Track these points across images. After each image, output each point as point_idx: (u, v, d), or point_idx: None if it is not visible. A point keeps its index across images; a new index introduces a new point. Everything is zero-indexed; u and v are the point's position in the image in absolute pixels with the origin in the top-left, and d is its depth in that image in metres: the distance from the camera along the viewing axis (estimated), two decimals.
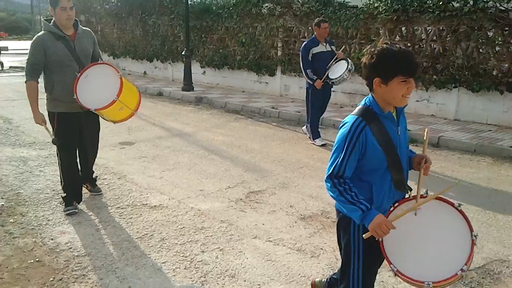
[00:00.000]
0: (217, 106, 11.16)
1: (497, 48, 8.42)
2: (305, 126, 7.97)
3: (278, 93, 12.39)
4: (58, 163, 4.57)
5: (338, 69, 7.07)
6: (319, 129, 7.61)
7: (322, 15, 10.73)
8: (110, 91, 4.12)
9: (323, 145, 7.36)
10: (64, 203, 4.54)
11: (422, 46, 9.43)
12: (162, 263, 3.60)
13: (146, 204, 4.81)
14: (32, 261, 3.59)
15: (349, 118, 2.23)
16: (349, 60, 7.13)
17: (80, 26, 4.42)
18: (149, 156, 6.60)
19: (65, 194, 4.55)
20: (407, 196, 2.33)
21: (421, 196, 2.22)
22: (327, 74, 7.11)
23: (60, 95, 4.26)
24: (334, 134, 7.95)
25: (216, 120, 9.60)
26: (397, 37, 9.78)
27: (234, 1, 12.92)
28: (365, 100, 2.27)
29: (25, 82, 4.24)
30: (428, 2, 8.88)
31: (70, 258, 3.64)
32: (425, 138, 2.35)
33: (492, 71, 8.49)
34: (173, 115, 10.06)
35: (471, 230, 2.15)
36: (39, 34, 4.30)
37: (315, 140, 7.50)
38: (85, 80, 4.19)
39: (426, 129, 2.43)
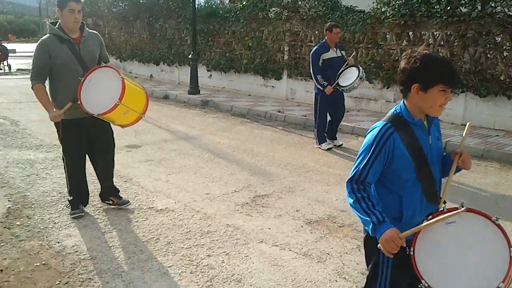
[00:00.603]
0: (223, 110, 11.17)
1: (505, 53, 8.38)
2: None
3: (284, 97, 12.39)
4: (64, 167, 4.54)
5: (349, 76, 7.03)
6: (325, 134, 7.58)
7: (329, 20, 10.74)
8: (113, 95, 3.98)
9: (329, 149, 7.35)
10: (70, 206, 4.54)
11: (429, 51, 9.37)
12: (168, 267, 3.59)
13: (152, 207, 4.80)
14: (38, 264, 3.59)
15: (378, 124, 2.18)
16: (360, 67, 7.09)
17: (87, 29, 4.33)
18: (155, 159, 6.61)
19: (71, 198, 4.52)
20: (441, 209, 2.19)
21: (450, 210, 2.09)
22: (337, 81, 7.08)
23: (64, 101, 4.14)
24: (340, 139, 7.99)
25: (222, 123, 9.60)
26: (404, 41, 9.76)
27: (241, 5, 12.94)
28: (396, 107, 2.21)
29: (32, 87, 4.15)
30: (435, 7, 8.85)
31: (76, 262, 3.63)
32: (465, 132, 2.25)
33: (499, 76, 8.45)
34: (179, 118, 10.08)
35: (510, 245, 2.00)
36: (43, 37, 4.21)
37: (321, 144, 7.47)
38: (89, 85, 4.07)
39: (468, 123, 2.37)
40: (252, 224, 4.44)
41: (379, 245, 2.12)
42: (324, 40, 7.32)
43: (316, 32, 11.26)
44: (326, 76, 7.11)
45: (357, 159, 2.20)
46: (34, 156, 6.53)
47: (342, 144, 7.63)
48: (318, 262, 3.73)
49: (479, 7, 8.38)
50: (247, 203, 5.00)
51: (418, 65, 2.05)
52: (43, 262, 3.61)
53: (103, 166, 4.68)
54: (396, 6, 9.48)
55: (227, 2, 18.50)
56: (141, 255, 3.77)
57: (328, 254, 3.87)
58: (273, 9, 12.26)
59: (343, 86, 7.03)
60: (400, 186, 2.18)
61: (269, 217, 4.61)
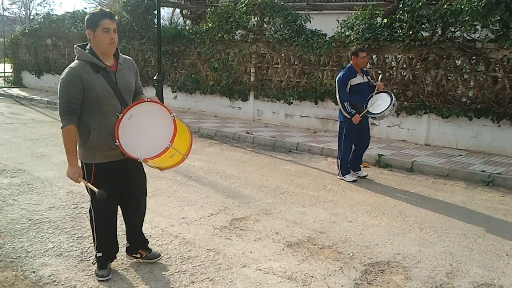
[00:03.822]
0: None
1: (465, 76, 8.77)
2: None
3: (251, 118, 12.45)
4: (91, 220, 3.75)
5: (380, 103, 6.61)
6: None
7: (295, 43, 10.95)
8: (162, 136, 3.33)
9: (354, 181, 6.86)
10: (96, 264, 3.81)
11: (392, 73, 9.71)
12: None
13: None
14: None
15: None
16: (391, 94, 6.69)
17: (121, 54, 3.67)
18: None
19: (100, 254, 3.76)
20: None
21: None
22: (367, 109, 6.68)
23: (98, 143, 3.46)
24: (310, 160, 8.07)
25: None
26: (368, 64, 10.04)
27: (206, 27, 12.99)
28: None
29: (62, 127, 3.37)
30: (398, 31, 9.19)
31: None
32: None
33: (460, 98, 8.82)
34: None
35: None
36: (72, 65, 3.43)
37: (345, 176, 6.93)
38: (129, 123, 3.42)
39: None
40: (233, 248, 4.39)
41: None
42: (350, 65, 6.81)
43: (282, 54, 11.43)
44: (354, 103, 6.66)
45: None
46: None
47: (366, 175, 7.11)
48: (304, 285, 3.71)
49: (440, 32, 8.76)
50: (225, 226, 4.95)
51: None
52: None
53: (134, 216, 4.02)
54: (360, 30, 9.78)
55: (188, 23, 18.50)
56: (122, 283, 3.66)
57: (313, 277, 3.87)
58: (238, 31, 12.38)
59: (373, 114, 6.61)
60: None
61: (249, 241, 4.58)
